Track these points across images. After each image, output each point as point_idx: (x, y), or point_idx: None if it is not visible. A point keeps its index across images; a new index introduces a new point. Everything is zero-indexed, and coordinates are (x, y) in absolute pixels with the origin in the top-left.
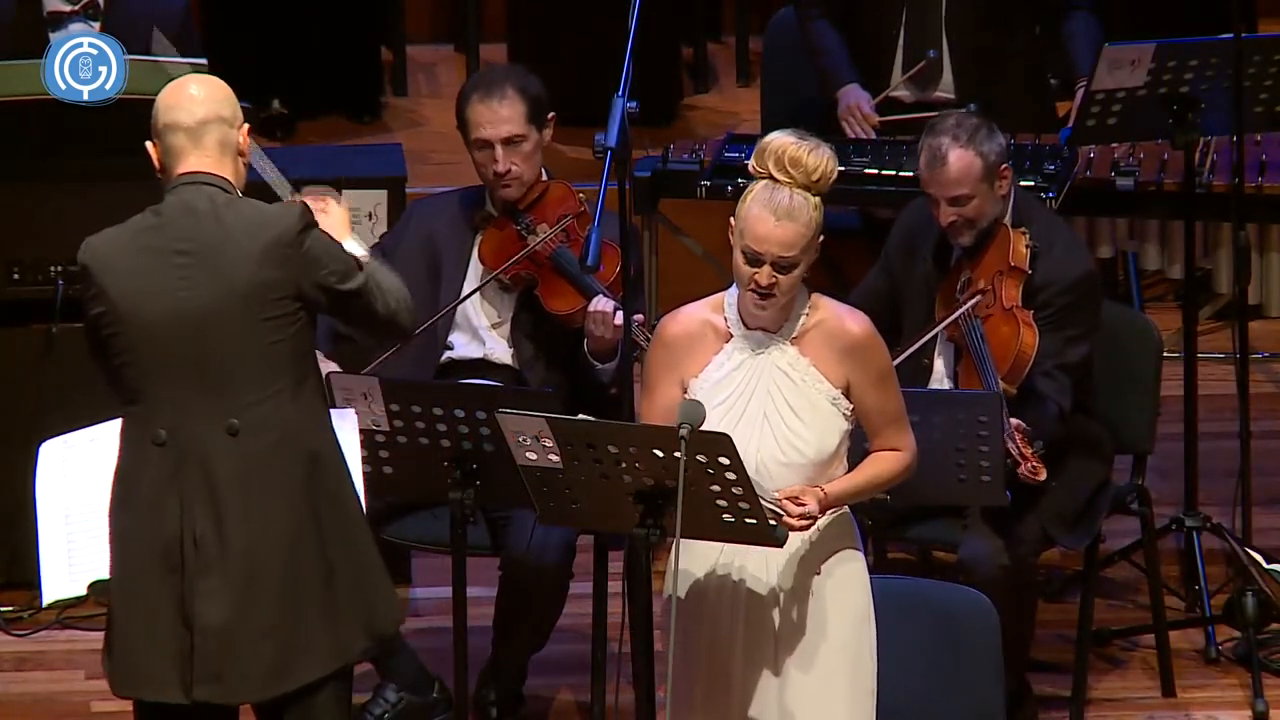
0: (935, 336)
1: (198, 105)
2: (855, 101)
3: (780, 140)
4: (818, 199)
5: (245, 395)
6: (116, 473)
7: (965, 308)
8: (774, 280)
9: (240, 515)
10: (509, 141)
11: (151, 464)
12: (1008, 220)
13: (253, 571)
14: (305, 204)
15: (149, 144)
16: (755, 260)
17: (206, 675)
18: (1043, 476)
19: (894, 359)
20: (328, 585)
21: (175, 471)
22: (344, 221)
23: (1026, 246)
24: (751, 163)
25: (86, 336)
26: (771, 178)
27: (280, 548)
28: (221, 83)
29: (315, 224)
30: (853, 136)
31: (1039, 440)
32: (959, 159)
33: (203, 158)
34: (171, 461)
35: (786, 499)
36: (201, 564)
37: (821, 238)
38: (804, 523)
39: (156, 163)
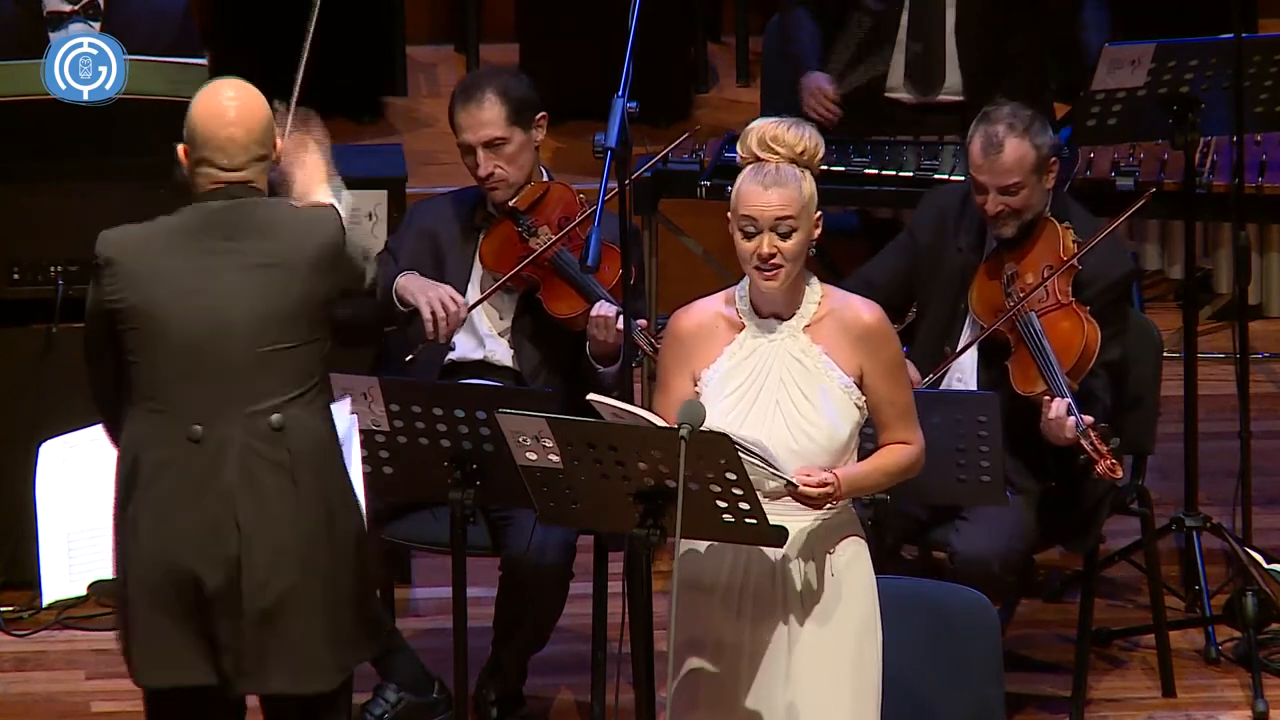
0: (960, 322)
1: (238, 152)
2: (817, 84)
3: (760, 123)
4: (808, 171)
5: (288, 392)
6: (131, 467)
7: (1019, 304)
8: (775, 249)
9: (280, 511)
10: (490, 145)
11: (184, 460)
12: (1050, 214)
13: (296, 566)
14: (337, 210)
15: (180, 146)
16: (753, 231)
17: (247, 668)
18: (1119, 474)
19: (937, 369)
20: (346, 587)
21: (214, 467)
22: (320, 170)
23: (1074, 242)
24: (738, 151)
25: (93, 330)
26: (757, 159)
27: (315, 545)
28: (259, 113)
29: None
30: (816, 118)
31: (1115, 438)
32: (1015, 148)
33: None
34: (209, 457)
35: (800, 474)
36: (247, 559)
37: (819, 214)
38: (821, 490)
39: (185, 165)
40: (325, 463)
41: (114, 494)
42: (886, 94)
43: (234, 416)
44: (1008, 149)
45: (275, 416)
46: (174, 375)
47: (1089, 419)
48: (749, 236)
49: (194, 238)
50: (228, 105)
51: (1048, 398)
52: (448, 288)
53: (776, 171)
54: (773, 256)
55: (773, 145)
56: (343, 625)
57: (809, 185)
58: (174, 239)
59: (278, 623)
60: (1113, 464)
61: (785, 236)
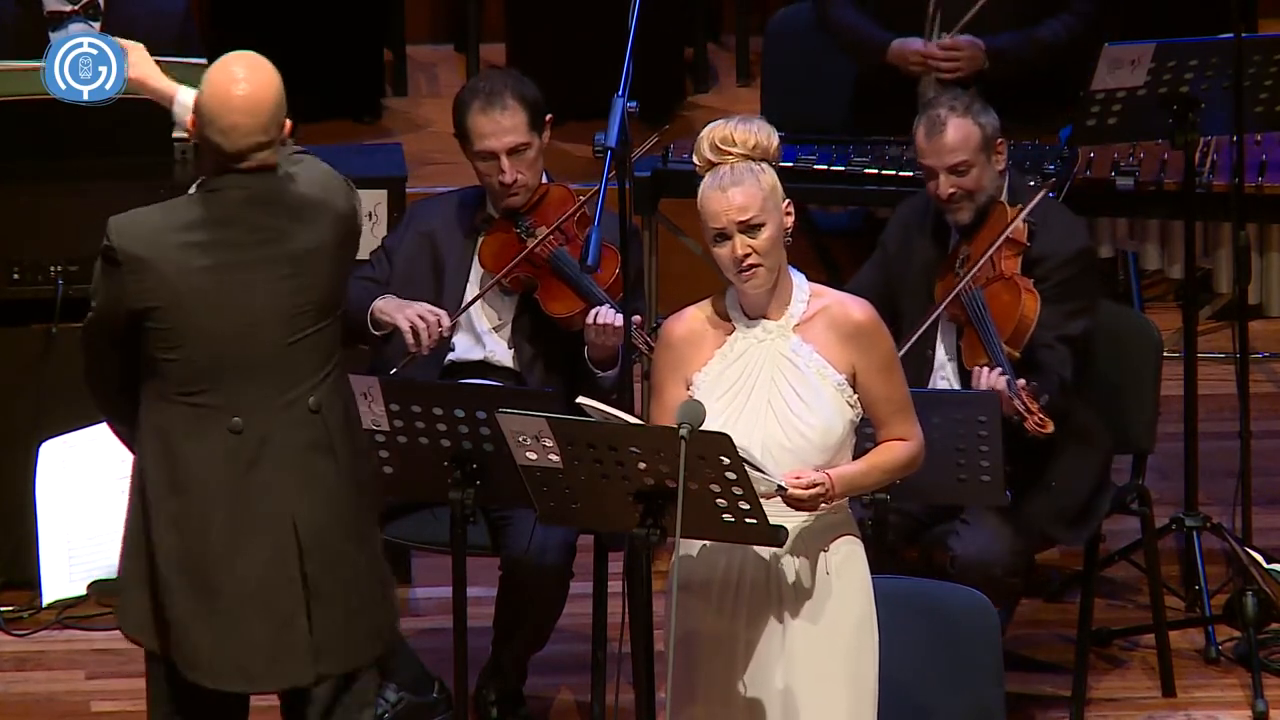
0: (936, 323)
1: (242, 138)
2: (910, 48)
3: (709, 128)
4: (765, 164)
5: (320, 372)
6: (166, 460)
7: (965, 279)
8: (748, 249)
9: (329, 489)
10: (514, 151)
11: (227, 451)
12: (1004, 199)
13: (348, 542)
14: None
15: (189, 118)
16: (723, 237)
17: (320, 649)
18: (1050, 429)
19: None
20: (374, 567)
21: (257, 457)
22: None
23: (1024, 221)
24: (693, 160)
25: (105, 323)
26: (711, 164)
27: (357, 517)
28: (268, 97)
29: None
30: (920, 73)
31: (1044, 395)
32: (958, 127)
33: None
34: (252, 448)
35: (789, 477)
36: (308, 544)
37: (788, 201)
38: (811, 492)
39: (191, 135)
40: (354, 436)
41: (139, 485)
42: (921, 88)
43: (273, 406)
44: (950, 128)
45: (312, 399)
46: (210, 370)
47: (1021, 381)
48: (721, 243)
49: (218, 233)
50: (237, 88)
51: (982, 367)
52: (424, 304)
53: (732, 172)
54: (748, 256)
55: (723, 147)
56: (378, 595)
57: (768, 177)
58: (195, 233)
59: (336, 604)
60: (1041, 419)
61: (754, 234)
